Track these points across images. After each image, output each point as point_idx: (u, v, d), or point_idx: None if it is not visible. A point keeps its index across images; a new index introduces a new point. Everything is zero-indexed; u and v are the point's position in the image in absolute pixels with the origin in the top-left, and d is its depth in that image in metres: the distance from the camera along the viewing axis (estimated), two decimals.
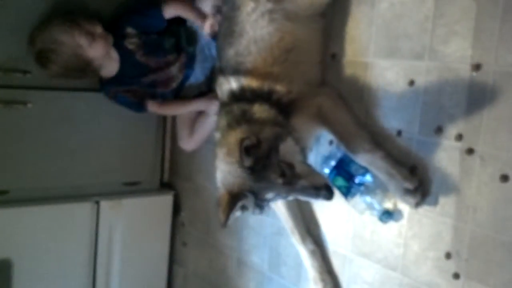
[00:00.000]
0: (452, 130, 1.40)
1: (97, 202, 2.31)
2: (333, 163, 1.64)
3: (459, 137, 1.38)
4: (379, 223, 1.58)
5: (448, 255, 1.42)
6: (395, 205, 1.55)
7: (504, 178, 1.30)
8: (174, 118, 2.47)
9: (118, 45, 2.11)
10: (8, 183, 2.13)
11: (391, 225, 1.57)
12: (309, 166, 1.50)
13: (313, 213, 1.83)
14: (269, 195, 1.45)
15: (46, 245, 2.20)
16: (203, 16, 2.05)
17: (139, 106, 2.22)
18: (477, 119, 1.34)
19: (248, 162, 1.39)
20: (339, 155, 1.64)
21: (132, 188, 2.46)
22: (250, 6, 1.58)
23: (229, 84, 1.63)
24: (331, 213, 1.76)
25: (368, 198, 1.57)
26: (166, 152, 2.59)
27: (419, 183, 1.46)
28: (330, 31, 1.70)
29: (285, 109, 1.56)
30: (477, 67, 1.34)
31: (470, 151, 1.36)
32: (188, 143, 2.35)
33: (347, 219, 1.71)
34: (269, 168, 1.41)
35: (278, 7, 1.57)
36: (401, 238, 1.55)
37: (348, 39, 1.66)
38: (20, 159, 2.14)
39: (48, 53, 1.98)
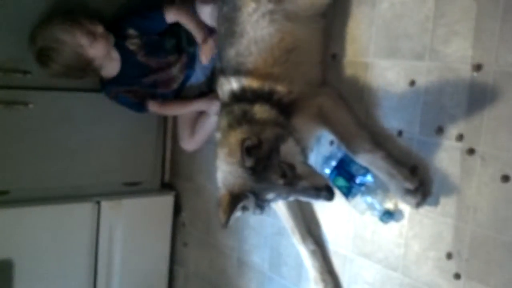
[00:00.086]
0: (452, 130, 1.40)
1: (98, 202, 2.31)
2: (333, 163, 1.64)
3: (460, 137, 1.39)
4: (380, 223, 1.58)
5: (449, 255, 1.42)
6: (395, 205, 1.55)
7: (505, 178, 1.30)
8: (175, 118, 2.47)
9: (119, 46, 2.11)
10: (9, 183, 2.13)
11: (392, 225, 1.57)
12: (310, 166, 1.50)
13: (314, 213, 1.83)
14: (270, 196, 1.45)
15: (46, 245, 2.20)
16: (202, 27, 2.05)
17: (140, 106, 2.22)
18: (477, 119, 1.34)
19: (249, 162, 1.40)
20: (339, 155, 1.64)
21: (132, 188, 2.46)
22: (251, 6, 1.58)
23: (230, 85, 1.63)
24: (332, 213, 1.76)
25: (369, 198, 1.57)
26: (166, 152, 2.59)
27: (420, 183, 1.46)
28: (331, 31, 1.70)
29: (286, 109, 1.56)
30: (477, 67, 1.34)
31: (470, 151, 1.36)
32: (189, 143, 2.35)
33: (348, 219, 1.71)
34: (270, 168, 1.41)
35: (279, 7, 1.57)
36: (402, 238, 1.55)
37: (349, 39, 1.66)
38: (21, 159, 2.14)
39: (49, 51, 1.98)
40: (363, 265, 1.67)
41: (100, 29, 2.04)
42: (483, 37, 1.33)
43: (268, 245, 2.05)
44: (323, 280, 1.75)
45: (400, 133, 1.53)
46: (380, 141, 1.54)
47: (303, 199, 1.51)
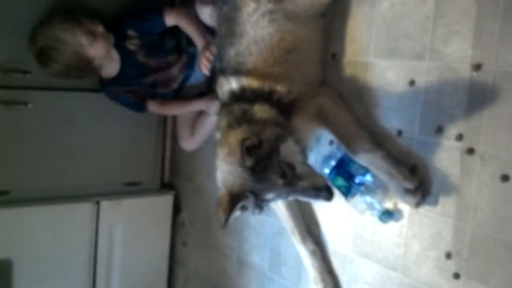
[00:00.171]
0: (452, 130, 1.40)
1: (98, 202, 2.31)
2: (333, 163, 1.64)
3: (460, 137, 1.39)
4: (380, 223, 1.58)
5: (448, 255, 1.42)
6: (395, 205, 1.55)
7: (505, 178, 1.30)
8: (174, 118, 2.47)
9: (119, 46, 2.11)
10: (9, 183, 2.13)
11: (392, 225, 1.57)
12: (309, 166, 1.50)
13: (314, 213, 1.83)
14: (270, 196, 1.45)
15: (46, 245, 2.20)
16: (202, 32, 2.05)
17: (139, 106, 2.22)
18: (477, 119, 1.34)
19: (249, 162, 1.40)
20: (339, 155, 1.64)
21: (132, 188, 2.46)
22: (251, 6, 1.58)
23: (229, 84, 1.63)
24: (332, 213, 1.76)
25: (368, 198, 1.57)
26: (166, 152, 2.59)
27: (420, 183, 1.46)
28: (331, 31, 1.70)
29: (286, 109, 1.56)
30: (477, 67, 1.34)
31: (470, 151, 1.36)
32: (188, 143, 2.35)
33: (347, 219, 1.71)
34: (270, 168, 1.41)
35: (279, 7, 1.57)
36: (402, 238, 1.55)
37: (349, 39, 1.67)
38: (21, 159, 2.14)
39: (49, 51, 1.98)
40: (363, 265, 1.67)
41: (100, 28, 2.04)
42: (483, 37, 1.33)
43: (268, 245, 2.05)
44: (323, 280, 1.75)
45: (399, 133, 1.53)
46: (379, 141, 1.54)
47: (303, 199, 1.51)
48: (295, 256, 1.88)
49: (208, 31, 2.06)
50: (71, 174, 2.27)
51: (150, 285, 2.54)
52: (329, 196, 1.42)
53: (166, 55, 2.18)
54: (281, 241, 1.97)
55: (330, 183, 1.48)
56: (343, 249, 1.73)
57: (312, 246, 1.79)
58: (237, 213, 1.45)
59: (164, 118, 2.51)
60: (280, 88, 1.57)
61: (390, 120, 1.55)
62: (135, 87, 2.19)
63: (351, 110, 1.62)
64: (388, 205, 1.55)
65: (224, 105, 1.66)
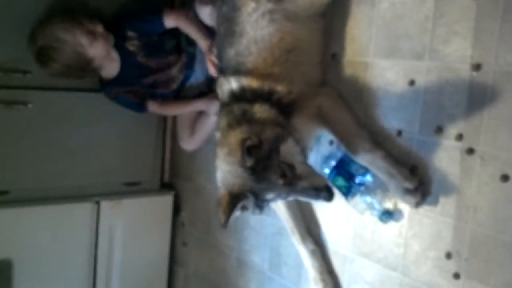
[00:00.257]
0: (452, 130, 1.40)
1: (98, 202, 2.31)
2: (333, 163, 1.64)
3: (459, 137, 1.39)
4: (380, 223, 1.58)
5: (448, 255, 1.42)
6: (395, 205, 1.55)
7: (505, 178, 1.30)
8: (174, 118, 2.47)
9: (119, 46, 2.11)
10: (9, 183, 2.13)
11: (392, 225, 1.57)
12: (309, 167, 1.50)
13: (313, 213, 1.83)
14: (270, 196, 1.45)
15: (46, 245, 2.20)
16: (203, 33, 2.05)
17: (139, 106, 2.22)
18: (477, 119, 1.34)
19: (249, 162, 1.39)
20: (339, 155, 1.64)
21: (132, 188, 2.46)
22: (250, 6, 1.58)
23: (229, 84, 1.63)
24: (332, 213, 1.76)
25: (368, 198, 1.57)
26: (166, 152, 2.59)
27: (419, 183, 1.46)
28: (330, 31, 1.70)
29: (286, 109, 1.55)
30: (477, 67, 1.34)
31: (470, 151, 1.36)
32: (188, 143, 2.35)
33: (347, 219, 1.71)
34: (270, 168, 1.40)
35: (279, 7, 1.57)
36: (402, 238, 1.55)
37: (348, 39, 1.67)
38: (21, 159, 2.14)
39: (49, 51, 1.98)
40: (363, 265, 1.67)
41: (100, 28, 2.04)
42: (482, 37, 1.33)
43: (268, 245, 2.05)
44: (323, 280, 1.75)
45: (399, 132, 1.53)
46: (379, 141, 1.54)
47: (303, 199, 1.51)
48: (295, 256, 1.88)
49: (208, 31, 2.06)
50: (71, 174, 2.27)
51: (150, 285, 2.54)
52: (329, 196, 1.42)
53: (166, 56, 2.18)
54: (281, 241, 1.97)
55: (330, 183, 1.48)
56: (343, 249, 1.73)
57: (312, 246, 1.79)
58: (237, 213, 1.44)
59: (164, 118, 2.51)
60: (280, 88, 1.57)
61: (390, 120, 1.55)
62: (135, 87, 2.19)
63: (351, 110, 1.62)
64: (388, 205, 1.55)
65: (224, 105, 1.66)
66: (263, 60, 1.59)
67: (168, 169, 2.62)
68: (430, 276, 1.47)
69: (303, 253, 1.80)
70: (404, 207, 1.53)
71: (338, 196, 1.58)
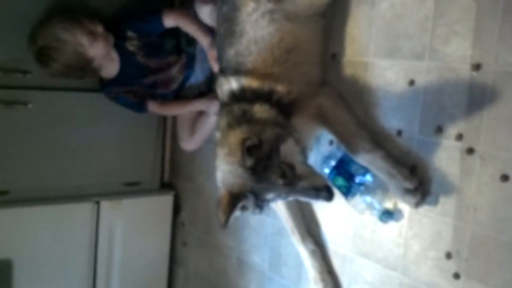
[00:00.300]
0: (452, 130, 1.40)
1: (98, 202, 2.31)
2: (333, 163, 1.64)
3: (459, 137, 1.39)
4: (380, 223, 1.58)
5: (448, 255, 1.42)
6: (395, 205, 1.55)
7: (505, 177, 1.30)
8: (174, 118, 2.47)
9: (119, 46, 2.11)
10: (8, 183, 2.13)
11: (392, 225, 1.57)
12: (309, 167, 1.50)
13: (313, 213, 1.83)
14: (270, 196, 1.45)
15: (46, 245, 2.20)
16: (204, 31, 2.05)
17: (140, 106, 2.22)
18: (477, 118, 1.34)
19: (249, 162, 1.39)
20: (339, 155, 1.64)
21: (132, 188, 2.46)
22: (250, 6, 1.58)
23: (229, 84, 1.63)
24: (331, 213, 1.76)
25: (368, 198, 1.57)
26: (166, 152, 2.59)
27: (419, 182, 1.46)
28: (330, 31, 1.70)
29: (286, 109, 1.55)
30: (477, 67, 1.34)
31: (470, 150, 1.36)
32: (188, 143, 2.35)
33: (347, 219, 1.71)
34: (270, 168, 1.40)
35: (279, 7, 1.57)
36: (402, 238, 1.55)
37: (348, 39, 1.67)
38: (21, 159, 2.14)
39: (49, 51, 1.98)
40: (363, 265, 1.67)
41: (100, 28, 2.04)
42: (482, 37, 1.33)
43: (268, 245, 2.05)
44: (323, 280, 1.75)
45: (399, 132, 1.53)
46: (379, 141, 1.54)
47: (303, 199, 1.51)
48: (295, 256, 1.88)
49: (208, 30, 2.06)
50: (71, 174, 2.27)
51: (150, 285, 2.54)
52: (329, 196, 1.42)
53: (165, 56, 2.18)
54: (281, 241, 1.97)
55: (330, 183, 1.48)
56: (343, 249, 1.73)
57: (312, 246, 1.79)
58: (237, 213, 1.44)
59: (164, 118, 2.51)
60: (280, 88, 1.57)
61: (390, 120, 1.55)
62: (135, 87, 2.19)
63: (351, 110, 1.62)
64: (388, 205, 1.55)
65: (224, 105, 1.66)
66: (263, 60, 1.59)
67: (168, 169, 2.62)
68: (430, 276, 1.47)
69: (303, 253, 1.80)
70: (404, 207, 1.53)
71: (338, 196, 1.58)
